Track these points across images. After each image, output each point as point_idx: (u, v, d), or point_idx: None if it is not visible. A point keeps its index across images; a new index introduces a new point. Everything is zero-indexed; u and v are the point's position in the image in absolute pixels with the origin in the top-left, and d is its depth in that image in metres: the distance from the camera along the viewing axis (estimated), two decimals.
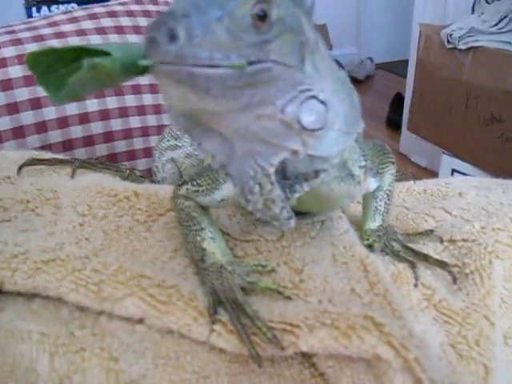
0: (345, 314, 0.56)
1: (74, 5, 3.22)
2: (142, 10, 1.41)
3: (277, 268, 0.66)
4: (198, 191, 0.68)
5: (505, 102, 2.15)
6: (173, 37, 0.40)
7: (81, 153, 1.28)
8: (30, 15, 3.09)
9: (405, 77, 3.13)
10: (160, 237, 0.72)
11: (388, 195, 0.76)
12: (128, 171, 0.96)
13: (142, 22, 1.39)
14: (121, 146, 1.35)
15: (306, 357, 0.58)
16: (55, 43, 1.25)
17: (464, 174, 2.41)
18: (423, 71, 2.62)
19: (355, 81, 4.40)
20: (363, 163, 0.66)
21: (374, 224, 0.76)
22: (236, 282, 0.62)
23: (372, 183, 0.71)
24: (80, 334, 0.58)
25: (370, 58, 4.60)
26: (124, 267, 0.62)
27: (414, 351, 0.54)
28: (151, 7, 1.44)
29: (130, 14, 1.38)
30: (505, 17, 2.30)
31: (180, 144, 0.99)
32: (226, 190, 0.66)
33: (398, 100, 3.45)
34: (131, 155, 1.38)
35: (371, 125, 3.63)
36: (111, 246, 0.69)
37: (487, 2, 2.61)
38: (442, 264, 0.70)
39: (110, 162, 0.97)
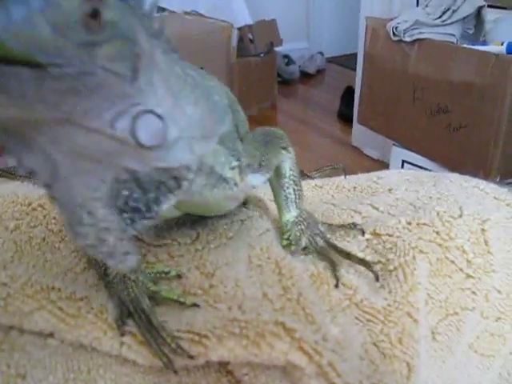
0: (254, 322, 0.55)
1: None
2: None
3: (187, 273, 0.64)
4: None
5: (450, 93, 2.18)
6: None
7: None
8: None
9: (355, 70, 3.15)
10: (74, 247, 0.69)
11: (294, 180, 0.74)
12: None
13: None
14: None
15: (223, 364, 0.56)
16: None
17: (414, 164, 2.44)
18: (371, 64, 2.65)
19: (306, 75, 4.42)
20: (234, 163, 0.62)
21: (290, 214, 0.74)
22: (141, 290, 0.60)
23: (255, 179, 0.68)
24: None
25: (321, 52, 4.62)
26: (33, 279, 0.59)
27: (327, 355, 0.53)
28: None
29: None
30: (448, 9, 2.32)
31: None
32: None
33: (349, 93, 3.47)
34: None
35: (323, 119, 3.65)
36: (22, 258, 0.66)
37: None
38: (364, 263, 0.69)
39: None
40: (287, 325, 0.54)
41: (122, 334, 0.56)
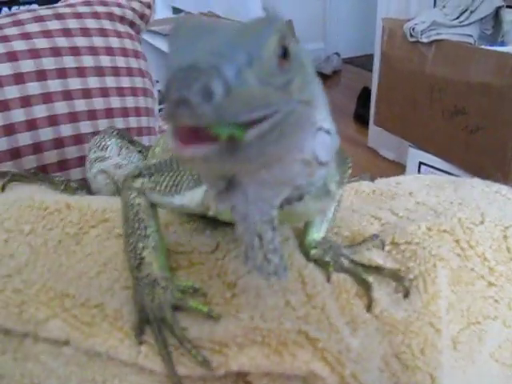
0: (276, 330, 0.54)
1: (35, 5, 3.17)
2: (91, 11, 1.37)
3: (209, 281, 0.62)
4: (154, 189, 0.63)
5: (468, 94, 2.16)
6: (209, 94, 0.34)
7: (29, 161, 1.23)
8: None
9: (371, 71, 3.13)
10: (90, 250, 0.68)
11: (339, 201, 0.72)
12: (63, 184, 0.92)
13: (90, 23, 1.35)
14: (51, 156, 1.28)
15: (241, 375, 0.55)
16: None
17: (431, 166, 2.42)
18: (387, 65, 2.63)
19: (322, 76, 4.40)
20: (337, 177, 0.62)
21: (318, 235, 0.71)
22: (167, 299, 0.59)
23: (339, 194, 0.69)
24: (0, 360, 0.55)
25: (337, 53, 4.60)
26: (48, 286, 0.59)
27: (350, 366, 0.52)
28: (101, 8, 1.40)
29: (78, 16, 1.34)
30: (465, 10, 2.30)
31: (107, 155, 0.95)
32: (189, 197, 0.62)
33: (365, 94, 3.45)
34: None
35: (339, 120, 3.51)
36: (36, 262, 0.65)
37: None
38: (396, 276, 0.67)
39: (44, 174, 0.93)
40: (310, 334, 0.53)
41: (140, 343, 0.55)
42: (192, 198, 0.61)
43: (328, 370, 0.51)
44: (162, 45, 3.05)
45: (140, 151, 0.96)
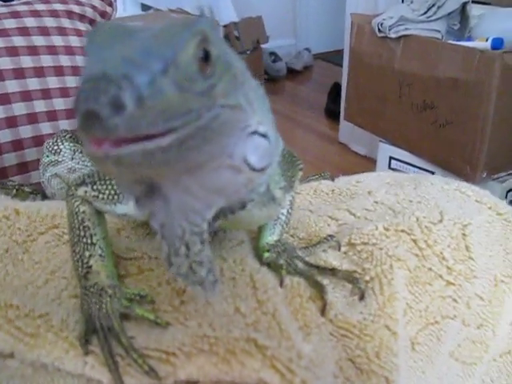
0: (224, 338, 0.53)
1: None
2: (49, 9, 1.35)
3: (157, 288, 0.61)
4: (97, 197, 0.62)
5: (436, 89, 2.17)
6: (118, 106, 0.32)
7: None
8: None
9: (342, 66, 3.14)
10: (38, 258, 0.67)
11: (291, 203, 0.71)
12: (16, 188, 0.90)
13: (49, 22, 1.32)
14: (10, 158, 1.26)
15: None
16: None
17: (401, 161, 2.43)
18: (357, 60, 2.64)
19: (293, 71, 4.41)
20: (282, 184, 0.61)
21: (272, 238, 0.70)
22: (115, 307, 0.57)
23: (287, 199, 0.68)
24: None
25: (308, 49, 4.61)
26: None
27: (301, 374, 0.51)
28: (59, 6, 1.37)
29: (36, 14, 1.32)
30: (433, 5, 2.32)
31: (60, 159, 0.92)
32: (131, 206, 0.59)
33: (336, 90, 3.46)
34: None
35: (310, 116, 3.63)
36: None
37: None
38: (352, 278, 0.66)
39: None
40: (259, 342, 0.52)
41: (86, 353, 0.53)
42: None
43: (278, 378, 0.50)
44: None
45: None
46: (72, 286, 0.63)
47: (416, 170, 2.36)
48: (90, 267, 0.60)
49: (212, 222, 0.49)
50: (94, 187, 0.61)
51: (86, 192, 0.62)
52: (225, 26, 3.44)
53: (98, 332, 0.55)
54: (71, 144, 0.92)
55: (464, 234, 0.73)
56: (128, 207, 0.60)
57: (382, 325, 0.61)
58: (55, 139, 0.92)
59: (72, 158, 0.91)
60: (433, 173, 2.30)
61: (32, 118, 1.25)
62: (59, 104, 1.30)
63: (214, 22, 0.47)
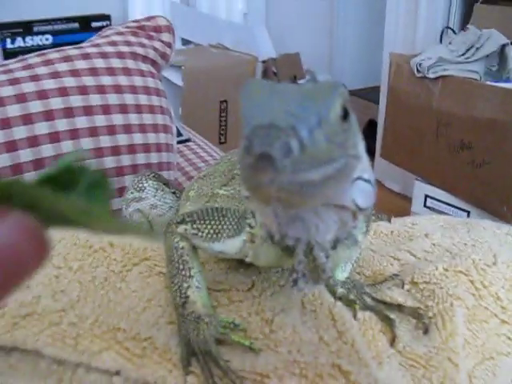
0: (313, 363, 0.59)
1: (48, 36, 3.25)
2: (116, 51, 1.44)
3: (248, 318, 0.67)
4: (196, 235, 0.68)
5: (474, 129, 2.21)
6: (288, 151, 0.40)
7: None
8: (4, 47, 3.11)
9: (377, 103, 3.19)
10: (134, 287, 0.73)
11: (361, 245, 0.77)
12: None
13: (116, 63, 1.42)
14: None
15: None
16: (31, 86, 1.27)
17: (437, 199, 2.46)
18: (394, 99, 2.68)
19: None
20: (365, 229, 0.67)
21: (343, 275, 0.76)
22: (211, 333, 0.63)
23: (364, 242, 0.75)
24: None
25: (343, 85, 4.64)
26: (100, 320, 0.64)
27: None
28: (125, 48, 1.46)
29: (104, 55, 1.41)
30: (471, 47, 2.36)
31: (144, 196, 1.00)
32: (229, 245, 0.68)
33: (371, 127, 3.49)
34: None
35: None
36: (87, 297, 0.70)
37: (454, 33, 2.68)
38: (416, 314, 0.71)
39: None
40: (343, 367, 0.58)
41: (187, 374, 0.59)
42: (232, 245, 0.68)
43: None
44: (171, 75, 3.10)
45: (174, 193, 1.02)
46: (168, 313, 0.69)
47: (452, 208, 2.40)
48: (188, 297, 0.66)
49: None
50: (194, 226, 0.68)
51: (185, 230, 0.68)
52: (263, 62, 3.50)
53: (197, 355, 0.61)
54: (154, 183, 0.99)
55: None
56: (226, 246, 0.67)
57: (445, 357, 0.66)
58: (140, 178, 0.99)
59: (154, 196, 0.99)
60: (468, 212, 2.33)
61: (98, 152, 1.34)
62: (123, 139, 1.38)
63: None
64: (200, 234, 0.68)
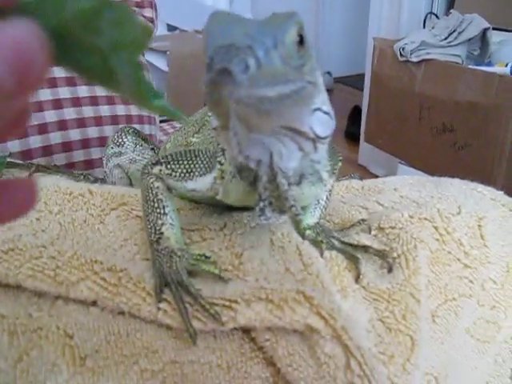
0: (278, 289, 0.62)
1: None
2: None
3: (219, 252, 0.71)
4: (170, 175, 0.72)
5: (456, 112, 2.23)
6: (246, 67, 0.44)
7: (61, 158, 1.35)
8: None
9: (362, 90, 3.22)
10: (112, 228, 0.76)
11: (330, 190, 0.81)
12: (83, 175, 1.01)
13: None
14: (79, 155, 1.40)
15: (246, 332, 0.63)
16: None
17: None
18: (378, 83, 2.71)
19: None
20: (329, 167, 0.72)
21: (312, 220, 0.80)
22: (183, 265, 0.67)
23: (331, 183, 0.79)
24: (37, 316, 0.62)
25: (329, 73, 4.69)
26: (78, 254, 0.66)
27: (341, 321, 0.60)
28: None
29: None
30: (453, 31, 2.38)
31: (123, 151, 1.03)
32: (200, 183, 0.72)
33: (356, 113, 3.54)
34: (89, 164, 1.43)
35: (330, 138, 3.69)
36: (66, 236, 0.73)
37: (437, 17, 2.71)
38: (381, 254, 0.75)
39: (64, 168, 1.02)
40: (307, 293, 0.61)
41: (159, 301, 0.62)
42: (203, 183, 0.72)
43: (322, 323, 0.60)
44: (157, 61, 3.11)
45: (152, 148, 1.04)
46: (143, 251, 0.72)
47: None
48: (162, 233, 0.70)
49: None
50: (168, 166, 0.71)
51: (160, 170, 0.72)
52: None
53: (169, 284, 0.64)
54: (133, 137, 1.02)
55: (479, 225, 0.81)
56: (198, 183, 0.71)
57: (407, 292, 0.70)
58: (120, 133, 1.02)
59: (134, 150, 1.02)
60: None
61: (81, 123, 1.38)
62: (105, 111, 1.43)
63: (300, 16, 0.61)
64: (174, 173, 0.72)
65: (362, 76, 3.36)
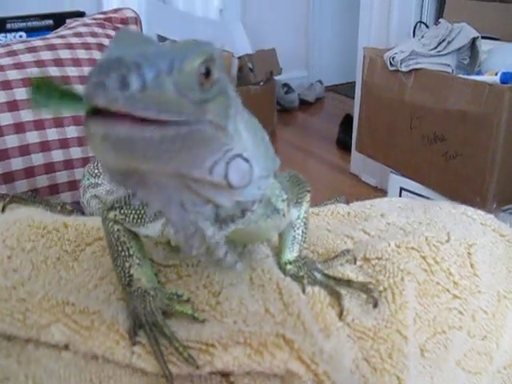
0: (257, 333, 0.60)
1: (22, 33, 3.23)
2: (82, 42, 1.43)
3: (196, 291, 0.68)
4: (124, 220, 0.69)
5: (446, 122, 2.21)
6: (124, 84, 0.39)
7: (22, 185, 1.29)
8: None
9: (353, 98, 3.20)
10: (87, 266, 0.74)
11: (305, 223, 0.78)
12: (59, 205, 0.98)
13: (82, 54, 1.41)
14: (43, 180, 1.34)
15: (225, 376, 0.60)
16: None
17: (412, 192, 2.47)
18: (368, 93, 2.69)
19: (305, 103, 4.48)
20: (285, 196, 0.69)
21: (292, 254, 0.77)
22: (157, 305, 0.65)
23: (294, 213, 0.75)
24: (5, 363, 0.60)
25: (320, 81, 4.68)
26: (49, 295, 0.64)
27: (323, 365, 0.57)
28: (90, 39, 1.46)
29: (70, 46, 1.41)
30: (443, 40, 2.37)
31: (100, 182, 1.00)
32: (151, 229, 0.69)
33: (348, 121, 3.51)
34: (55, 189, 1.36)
35: (322, 147, 3.69)
36: (38, 276, 0.71)
37: (427, 26, 2.70)
38: (365, 289, 0.72)
39: (41, 197, 0.99)
40: (287, 336, 0.59)
41: (134, 344, 0.60)
42: (153, 229, 0.69)
43: (304, 368, 0.57)
44: None
45: None
46: (119, 290, 0.70)
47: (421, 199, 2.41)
48: (132, 275, 0.68)
49: (220, 231, 0.56)
50: (122, 211, 0.69)
51: (115, 215, 0.69)
52: (239, 58, 3.50)
53: (144, 326, 0.62)
54: None
55: (469, 253, 0.79)
56: (149, 230, 0.68)
57: (393, 329, 0.68)
58: (95, 163, 0.99)
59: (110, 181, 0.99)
60: None
61: (64, 143, 1.33)
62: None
63: (222, 55, 0.54)
64: (127, 218, 0.69)
65: (353, 84, 3.33)
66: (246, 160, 0.52)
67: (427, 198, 2.36)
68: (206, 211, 0.53)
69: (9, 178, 1.27)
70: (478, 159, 2.11)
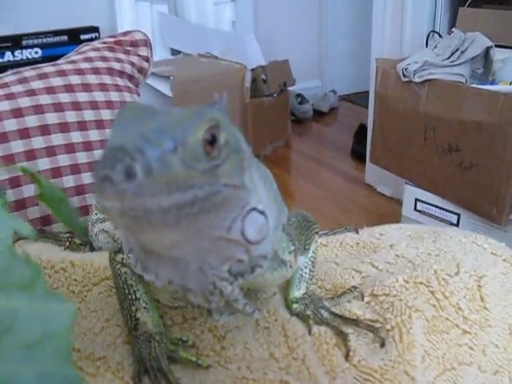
0: (261, 380, 0.59)
1: (38, 49, 3.26)
2: (92, 67, 1.44)
3: (201, 335, 0.68)
4: (131, 263, 0.68)
5: (461, 132, 2.20)
6: (130, 174, 0.40)
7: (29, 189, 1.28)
8: None
9: (367, 107, 3.19)
10: (93, 307, 0.74)
11: (312, 262, 0.78)
12: (68, 241, 0.99)
13: (92, 79, 1.42)
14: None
15: None
16: (5, 104, 1.28)
17: (427, 203, 2.46)
18: (382, 104, 2.68)
19: (319, 113, 4.47)
20: (292, 248, 0.68)
21: (299, 292, 0.76)
22: (162, 351, 0.64)
23: (301, 260, 0.75)
24: None
25: (333, 91, 4.67)
26: None
27: None
28: (100, 64, 1.47)
29: (80, 72, 1.41)
30: (456, 50, 2.36)
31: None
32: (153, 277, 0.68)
33: (362, 131, 3.49)
34: None
35: (336, 157, 3.69)
36: None
37: (440, 36, 2.68)
38: (372, 328, 0.72)
39: (50, 231, 0.99)
40: (291, 383, 0.59)
41: None
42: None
43: None
44: (160, 86, 3.11)
45: None
46: (125, 333, 0.70)
47: (442, 211, 2.40)
48: (138, 319, 0.67)
49: (233, 281, 0.55)
50: (129, 255, 0.69)
51: (122, 259, 0.69)
52: (252, 70, 3.51)
53: (149, 372, 0.62)
54: None
55: (479, 286, 0.79)
56: (150, 276, 0.68)
57: (401, 370, 0.67)
58: None
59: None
60: (459, 215, 2.33)
61: (75, 169, 1.33)
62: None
63: (225, 108, 0.54)
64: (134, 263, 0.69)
65: (366, 93, 3.32)
66: (262, 213, 0.53)
67: (443, 208, 2.35)
68: (224, 270, 0.53)
69: (15, 182, 1.27)
70: (493, 170, 2.10)
